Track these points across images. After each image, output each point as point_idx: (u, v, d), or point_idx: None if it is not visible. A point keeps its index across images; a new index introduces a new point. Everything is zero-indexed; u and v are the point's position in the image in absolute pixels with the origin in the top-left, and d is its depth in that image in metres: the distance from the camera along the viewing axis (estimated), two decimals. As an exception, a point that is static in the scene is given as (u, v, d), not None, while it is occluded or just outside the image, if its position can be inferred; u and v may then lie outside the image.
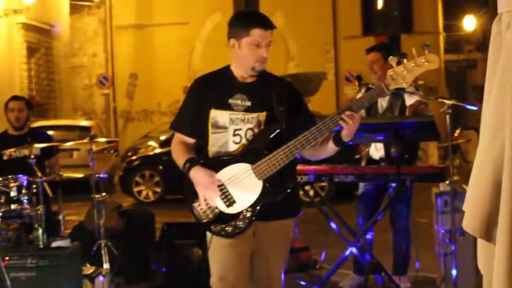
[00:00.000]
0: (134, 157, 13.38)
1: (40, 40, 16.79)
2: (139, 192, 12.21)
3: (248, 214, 3.11)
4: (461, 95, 24.82)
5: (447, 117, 4.91)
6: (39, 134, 6.14)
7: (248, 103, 3.19)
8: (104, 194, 5.80)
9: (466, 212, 1.56)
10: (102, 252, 5.56)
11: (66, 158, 12.14)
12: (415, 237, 5.18)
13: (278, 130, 3.12)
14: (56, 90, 17.55)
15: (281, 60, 20.33)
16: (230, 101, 3.19)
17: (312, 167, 4.98)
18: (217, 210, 3.15)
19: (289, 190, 3.13)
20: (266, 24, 3.16)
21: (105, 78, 20.04)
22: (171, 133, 3.51)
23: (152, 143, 15.58)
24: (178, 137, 3.35)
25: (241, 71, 3.23)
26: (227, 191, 3.13)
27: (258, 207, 3.10)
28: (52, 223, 5.39)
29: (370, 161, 5.33)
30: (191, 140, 3.32)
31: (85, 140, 5.90)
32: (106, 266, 5.51)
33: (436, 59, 2.91)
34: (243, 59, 3.18)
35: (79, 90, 21.40)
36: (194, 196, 3.18)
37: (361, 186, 5.41)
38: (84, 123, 15.90)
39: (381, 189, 5.30)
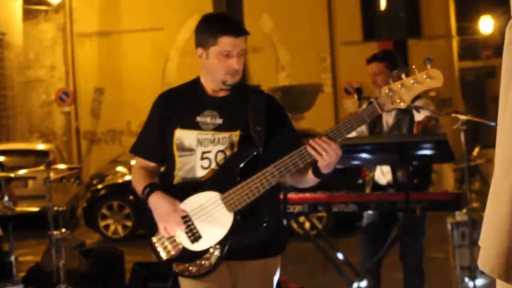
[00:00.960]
0: (100, 186, 13.34)
1: (-11, 50, 16.81)
2: (106, 226, 12.16)
3: (216, 252, 3.02)
4: (479, 108, 25.01)
5: (462, 134, 4.94)
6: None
7: (219, 121, 3.13)
8: (64, 230, 5.78)
9: (481, 248, 1.54)
10: (63, 298, 5.53)
11: (19, 188, 12.08)
12: (429, 275, 5.17)
13: (254, 154, 3.05)
14: (9, 108, 17.50)
15: (270, 70, 20.41)
16: (198, 119, 3.14)
17: (307, 195, 4.98)
18: (180, 246, 3.07)
19: (265, 225, 3.01)
20: (236, 30, 3.10)
21: (66, 94, 20.05)
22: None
23: (121, 168, 15.55)
24: (139, 161, 3.32)
25: (212, 84, 3.19)
26: (192, 224, 3.05)
27: (227, 244, 3.02)
28: (3, 265, 5.36)
29: (376, 187, 5.33)
30: (154, 165, 3.29)
31: (42, 167, 5.88)
32: (67, 315, 5.47)
33: (440, 76, 2.85)
34: (211, 71, 3.14)
35: (35, 108, 21.39)
36: (154, 228, 3.12)
37: (366, 216, 5.40)
38: (41, 146, 15.84)
39: (389, 220, 5.29)
